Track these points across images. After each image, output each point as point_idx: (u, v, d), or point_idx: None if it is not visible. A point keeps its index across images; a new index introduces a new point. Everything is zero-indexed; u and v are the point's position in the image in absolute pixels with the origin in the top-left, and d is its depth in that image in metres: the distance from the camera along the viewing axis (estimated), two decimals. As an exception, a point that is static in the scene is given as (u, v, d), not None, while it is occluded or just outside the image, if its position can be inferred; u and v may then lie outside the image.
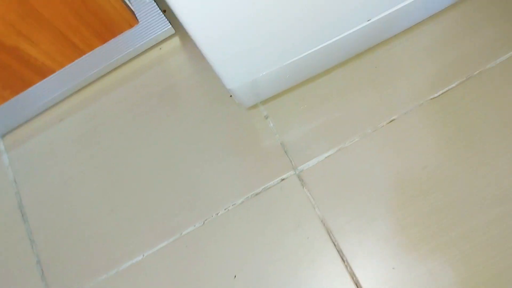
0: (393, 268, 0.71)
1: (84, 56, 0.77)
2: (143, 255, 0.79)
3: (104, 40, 0.70)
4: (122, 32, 0.70)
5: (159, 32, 0.85)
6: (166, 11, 0.89)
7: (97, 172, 0.85)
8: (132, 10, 0.70)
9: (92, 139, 0.88)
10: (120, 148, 0.86)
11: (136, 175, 0.84)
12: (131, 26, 0.69)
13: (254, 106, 0.84)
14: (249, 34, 0.55)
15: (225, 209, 0.79)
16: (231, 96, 0.84)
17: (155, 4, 0.83)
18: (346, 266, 0.72)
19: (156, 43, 0.90)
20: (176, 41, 0.90)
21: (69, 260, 0.81)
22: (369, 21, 0.65)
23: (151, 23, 0.83)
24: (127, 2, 0.69)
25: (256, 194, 0.79)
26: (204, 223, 0.79)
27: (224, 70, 0.61)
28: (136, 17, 0.70)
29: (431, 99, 0.77)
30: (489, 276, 0.67)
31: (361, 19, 0.64)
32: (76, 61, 0.77)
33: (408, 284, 0.69)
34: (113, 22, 0.68)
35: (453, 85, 0.77)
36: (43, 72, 0.72)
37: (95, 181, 0.85)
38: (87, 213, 0.83)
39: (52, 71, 0.72)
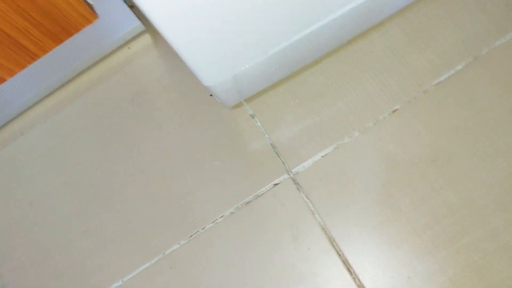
0: (408, 278, 0.62)
1: (40, 61, 0.67)
2: (122, 281, 0.69)
3: (59, 40, 0.61)
4: (79, 30, 0.60)
5: (127, 30, 0.76)
6: (134, 6, 0.80)
7: (67, 190, 0.75)
8: (89, 4, 0.61)
9: (58, 153, 0.78)
10: (90, 163, 0.76)
11: (110, 192, 0.74)
12: (89, 22, 0.60)
13: (238, 105, 0.75)
14: (224, 22, 0.46)
15: (213, 222, 0.70)
16: (211, 95, 0.75)
17: (119, -3, 0.74)
18: (354, 279, 0.63)
19: (125, 42, 0.80)
20: (147, 38, 0.81)
21: (38, 293, 0.71)
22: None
23: (116, 19, 0.74)
24: (83, -6, 0.60)
25: (247, 203, 0.70)
26: (189, 239, 0.70)
27: (199, 66, 0.52)
28: (95, 12, 0.60)
29: (436, 84, 0.69)
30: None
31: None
32: (32, 67, 0.67)
33: (426, 296, 0.60)
34: (67, 19, 0.58)
35: (460, 67, 0.69)
36: (-9, 82, 0.62)
37: (65, 201, 0.75)
38: (58, 238, 0.73)
39: (2, 80, 0.62)
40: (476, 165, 0.64)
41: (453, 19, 0.71)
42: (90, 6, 0.61)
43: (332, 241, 0.66)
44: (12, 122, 0.81)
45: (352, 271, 0.64)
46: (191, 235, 0.70)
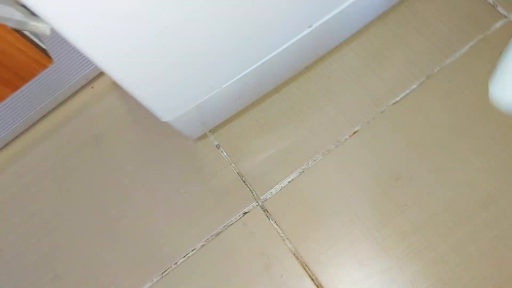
0: (380, 298, 0.62)
1: (1, 107, 0.66)
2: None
3: (14, 86, 0.60)
4: (34, 75, 0.60)
5: (87, 70, 0.76)
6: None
7: (34, 236, 0.74)
8: (43, 48, 0.61)
9: (23, 199, 0.77)
10: (55, 207, 0.75)
11: (77, 235, 0.73)
12: (44, 66, 0.60)
13: (203, 136, 0.75)
14: (171, 61, 0.47)
15: (184, 257, 0.69)
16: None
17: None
18: (328, 303, 0.63)
19: (87, 82, 0.80)
20: (108, 77, 0.81)
21: None
22: (311, 28, 0.58)
23: (73, 61, 0.74)
24: (36, 40, 0.60)
25: (217, 234, 0.70)
26: (162, 276, 0.69)
27: (155, 103, 0.52)
28: (49, 56, 0.60)
29: (393, 104, 0.71)
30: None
31: (301, 27, 0.57)
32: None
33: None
34: (20, 66, 0.58)
35: (414, 86, 0.72)
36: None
37: (33, 247, 0.74)
38: (27, 286, 0.72)
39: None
40: (436, 181, 0.66)
41: (404, 40, 0.74)
42: (43, 51, 0.61)
43: (304, 266, 0.66)
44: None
45: (325, 295, 0.64)
46: (164, 272, 0.69)
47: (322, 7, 0.57)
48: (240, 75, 0.57)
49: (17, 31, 0.54)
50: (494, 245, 0.62)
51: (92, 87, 0.81)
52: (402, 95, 0.71)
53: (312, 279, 0.65)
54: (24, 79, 0.59)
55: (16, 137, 0.80)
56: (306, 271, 0.66)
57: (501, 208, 0.63)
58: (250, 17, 0.49)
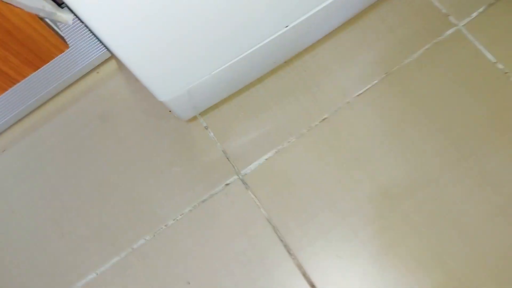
0: (338, 256, 0.75)
1: (19, 85, 0.78)
2: (97, 273, 0.79)
3: (35, 67, 0.72)
4: (52, 58, 0.72)
5: (95, 57, 0.88)
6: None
7: (44, 200, 0.85)
8: (61, 35, 0.73)
9: (36, 167, 0.88)
10: (63, 175, 0.87)
11: (83, 198, 0.85)
12: (61, 51, 0.71)
13: (194, 118, 0.87)
14: (170, 46, 0.59)
15: (174, 220, 0.81)
16: (170, 111, 0.87)
17: (87, 30, 0.86)
18: (293, 259, 0.75)
19: (94, 68, 0.92)
20: (113, 64, 0.93)
21: (24, 285, 0.80)
22: (287, 28, 0.70)
23: (84, 48, 0.86)
24: (55, 28, 0.71)
25: (203, 201, 0.81)
26: (154, 235, 0.80)
27: (153, 83, 0.64)
28: (66, 42, 0.72)
29: (357, 96, 0.83)
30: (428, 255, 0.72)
31: (278, 27, 0.69)
32: (12, 90, 0.78)
33: (352, 270, 0.73)
34: (41, 49, 0.69)
35: (375, 81, 0.84)
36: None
37: (43, 210, 0.85)
38: (37, 241, 0.83)
39: (-14, 102, 0.72)
40: (390, 161, 0.78)
41: (369, 42, 0.86)
42: (61, 37, 0.72)
43: (275, 230, 0.78)
44: (-7, 140, 0.91)
45: (292, 253, 0.76)
46: (156, 231, 0.81)
47: (296, 11, 0.69)
48: (225, 66, 0.69)
49: (42, 20, 0.66)
50: (434, 214, 0.74)
51: (98, 72, 0.93)
52: (365, 88, 0.84)
53: (281, 241, 0.77)
54: (44, 61, 0.71)
55: (31, 112, 0.91)
56: (276, 234, 0.77)
57: (440, 186, 0.75)
58: (234, 14, 0.60)
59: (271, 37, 0.70)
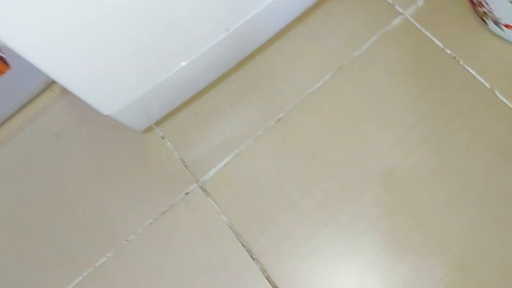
0: (300, 256, 0.74)
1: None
2: (59, 297, 0.78)
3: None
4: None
5: (45, 75, 0.86)
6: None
7: (1, 224, 0.84)
8: (1, 56, 0.71)
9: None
10: (23, 196, 0.85)
11: (42, 219, 0.83)
12: (1, 72, 0.70)
13: (150, 129, 0.86)
14: (103, 59, 0.58)
15: (135, 234, 0.80)
16: (124, 123, 0.86)
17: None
18: (257, 264, 0.75)
19: (47, 85, 0.90)
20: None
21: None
22: (228, 31, 0.69)
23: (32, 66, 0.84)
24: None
25: (163, 213, 0.80)
26: (116, 252, 0.79)
27: (91, 99, 0.63)
28: (6, 63, 0.71)
29: (311, 93, 0.83)
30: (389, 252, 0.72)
31: (219, 31, 0.68)
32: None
33: (314, 270, 0.72)
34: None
35: (328, 77, 0.83)
36: None
37: (0, 234, 0.83)
38: (-3, 267, 0.81)
39: None
40: (347, 156, 0.78)
41: (320, 38, 0.86)
42: (2, 58, 0.71)
43: (237, 235, 0.77)
44: None
45: (255, 257, 0.75)
46: (117, 248, 0.79)
47: (237, 12, 0.69)
48: (168, 75, 0.68)
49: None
50: (393, 208, 0.74)
51: (52, 90, 0.91)
52: (318, 85, 0.83)
53: (243, 245, 0.76)
54: None
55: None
56: (238, 239, 0.77)
57: (398, 177, 0.75)
58: (167, 21, 0.59)
59: (213, 42, 0.70)
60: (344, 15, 0.86)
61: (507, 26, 0.74)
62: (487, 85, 0.77)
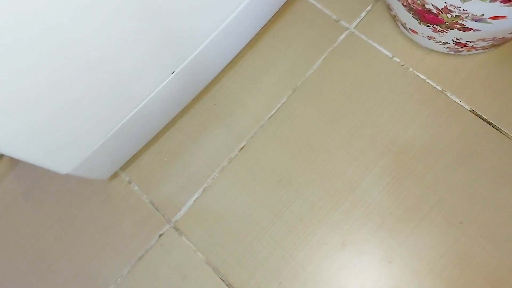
0: (280, 283, 0.74)
1: None
2: None
3: None
4: None
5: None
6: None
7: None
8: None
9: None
10: (-4, 261, 0.84)
11: (20, 281, 0.82)
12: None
13: (116, 175, 0.86)
14: (50, 121, 0.58)
15: (114, 284, 0.79)
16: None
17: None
18: (238, 297, 0.75)
19: (7, 146, 0.90)
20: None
21: None
22: (175, 73, 0.70)
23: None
24: None
25: (140, 258, 0.80)
26: (97, 305, 0.79)
27: (46, 162, 0.63)
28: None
29: (269, 117, 0.84)
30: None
31: (165, 75, 0.69)
32: None
33: (294, 294, 0.73)
34: None
35: (284, 100, 0.84)
36: None
37: (-21, 303, 0.82)
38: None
39: None
40: (311, 176, 0.79)
41: (270, 62, 0.87)
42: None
43: (215, 270, 0.77)
44: None
45: (235, 291, 0.75)
46: (97, 300, 0.79)
47: (180, 54, 0.69)
48: (118, 126, 0.68)
49: None
50: (362, 222, 0.75)
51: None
52: (275, 109, 0.84)
53: (223, 280, 0.76)
54: None
55: None
56: (217, 275, 0.77)
57: (363, 190, 0.76)
58: (110, 76, 0.60)
59: (161, 86, 0.70)
60: (292, 36, 0.88)
61: (412, 31, 0.75)
62: (438, 88, 0.79)
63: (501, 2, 0.50)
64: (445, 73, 0.79)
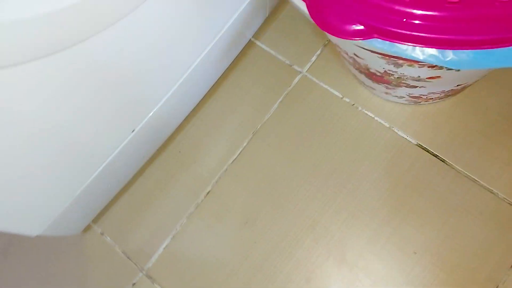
0: (250, 323, 0.77)
1: None
2: None
3: None
4: None
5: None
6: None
7: None
8: None
9: None
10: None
11: None
12: None
13: (88, 227, 0.89)
14: (12, 189, 0.61)
15: (90, 337, 0.81)
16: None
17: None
18: None
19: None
20: None
21: None
22: (134, 132, 0.74)
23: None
24: None
25: (115, 309, 0.82)
26: None
27: (13, 228, 0.66)
28: None
29: (232, 161, 0.88)
30: None
31: (124, 134, 0.72)
32: None
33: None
34: None
35: (245, 143, 0.89)
36: None
37: None
38: None
39: None
40: (275, 215, 0.83)
41: (230, 108, 0.92)
42: None
43: (189, 315, 0.80)
44: None
45: (208, 334, 0.78)
46: None
47: (138, 113, 0.73)
48: (84, 186, 0.72)
49: None
50: (324, 257, 0.78)
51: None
52: (238, 153, 0.88)
53: (196, 324, 0.79)
54: None
55: None
56: (191, 318, 0.79)
57: (323, 227, 0.80)
58: (67, 144, 0.63)
59: (122, 145, 0.74)
60: (250, 82, 0.93)
61: (370, 87, 0.81)
62: (386, 124, 0.84)
63: (428, 67, 0.56)
64: (391, 110, 0.84)
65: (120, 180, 0.84)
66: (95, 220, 0.89)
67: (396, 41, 0.47)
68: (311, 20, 0.51)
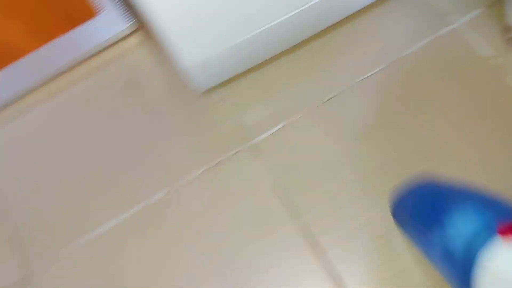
0: None
1: (50, 47, 0.85)
2: (110, 227, 0.86)
3: (71, 26, 0.79)
4: (83, 22, 0.78)
5: (124, 27, 0.94)
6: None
7: (66, 155, 0.93)
8: (93, 2, 0.80)
9: (59, 127, 0.95)
10: (87, 134, 0.94)
11: (103, 155, 0.91)
12: (92, 16, 0.78)
13: (209, 92, 0.94)
14: (200, 6, 0.65)
15: (187, 181, 0.87)
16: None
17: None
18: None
19: (122, 37, 0.99)
20: (140, 35, 1.00)
21: (44, 228, 0.87)
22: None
23: (114, 17, 0.92)
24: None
25: (218, 163, 0.87)
26: (167, 193, 0.87)
27: (177, 46, 0.70)
28: (96, 9, 0.79)
29: (363, 79, 0.91)
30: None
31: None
32: (42, 51, 0.85)
33: None
34: (74, 12, 0.76)
35: (381, 67, 0.91)
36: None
37: (65, 164, 0.92)
38: (58, 191, 0.89)
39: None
40: (389, 136, 0.85)
41: (377, 32, 0.95)
42: (94, 4, 0.79)
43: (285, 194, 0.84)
44: (20, 101, 0.98)
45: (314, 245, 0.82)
46: (170, 189, 0.87)
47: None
48: (253, 33, 0.76)
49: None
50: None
51: (126, 42, 1.00)
52: (371, 73, 0.91)
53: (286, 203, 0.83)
54: (74, 24, 0.79)
55: (59, 75, 0.98)
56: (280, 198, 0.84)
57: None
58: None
59: (298, 10, 0.78)
60: (402, 17, 0.95)
61: None
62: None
63: None
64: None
65: (275, 47, 0.88)
66: (218, 87, 0.94)
67: None
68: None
